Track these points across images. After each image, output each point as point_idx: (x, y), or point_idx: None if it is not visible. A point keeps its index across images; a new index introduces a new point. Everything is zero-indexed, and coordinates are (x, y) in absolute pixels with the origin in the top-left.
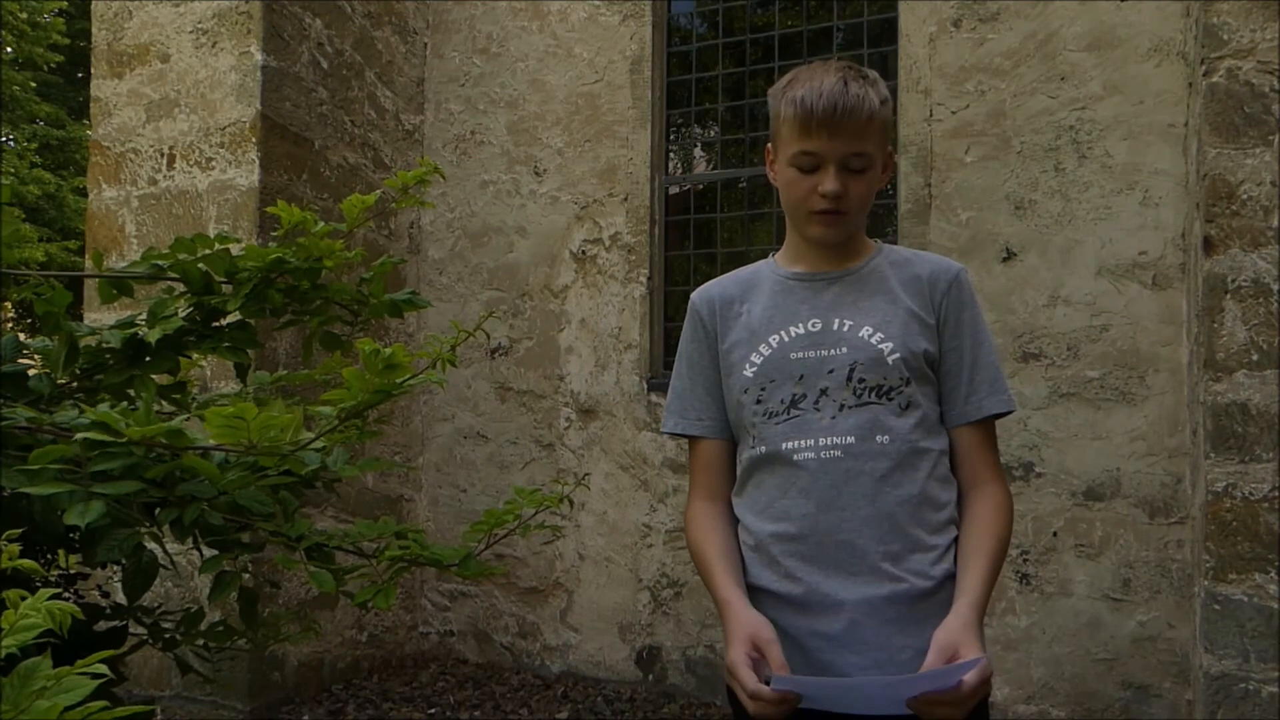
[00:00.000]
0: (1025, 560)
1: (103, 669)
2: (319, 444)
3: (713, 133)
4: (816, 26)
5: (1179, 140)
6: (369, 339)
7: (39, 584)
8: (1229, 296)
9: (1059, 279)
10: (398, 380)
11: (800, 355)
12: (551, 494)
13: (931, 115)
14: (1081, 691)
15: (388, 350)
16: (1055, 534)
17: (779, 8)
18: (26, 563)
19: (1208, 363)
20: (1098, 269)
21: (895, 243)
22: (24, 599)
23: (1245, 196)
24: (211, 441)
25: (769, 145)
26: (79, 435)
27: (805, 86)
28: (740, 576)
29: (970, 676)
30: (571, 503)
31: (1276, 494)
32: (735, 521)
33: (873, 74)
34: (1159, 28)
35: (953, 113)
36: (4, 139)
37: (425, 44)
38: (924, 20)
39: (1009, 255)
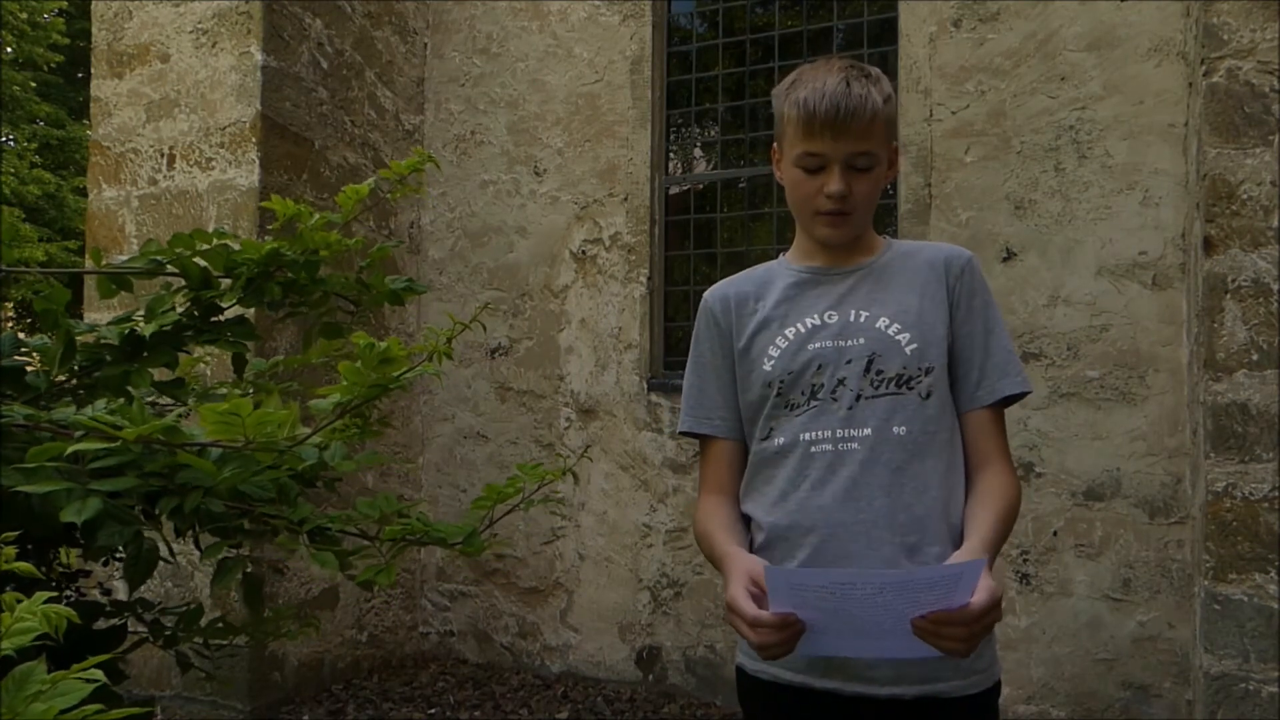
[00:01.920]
0: (1025, 560)
1: (97, 674)
2: (316, 439)
3: (713, 133)
4: (816, 26)
5: (1179, 140)
6: (365, 334)
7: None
8: (1229, 296)
9: (1059, 279)
10: (393, 374)
11: (818, 346)
12: (555, 468)
13: (931, 115)
14: (1081, 691)
15: (383, 344)
16: (1055, 534)
17: (779, 8)
18: (23, 565)
19: (1208, 363)
20: (1098, 269)
21: None
22: (19, 601)
23: (1245, 196)
24: (208, 437)
25: (775, 145)
26: (72, 448)
27: (808, 88)
28: (743, 542)
29: (978, 598)
30: (576, 477)
31: (1276, 494)
32: (743, 516)
33: (876, 71)
34: (1159, 28)
35: (953, 113)
36: (4, 139)
37: (425, 44)
38: (924, 20)
39: (1009, 255)
